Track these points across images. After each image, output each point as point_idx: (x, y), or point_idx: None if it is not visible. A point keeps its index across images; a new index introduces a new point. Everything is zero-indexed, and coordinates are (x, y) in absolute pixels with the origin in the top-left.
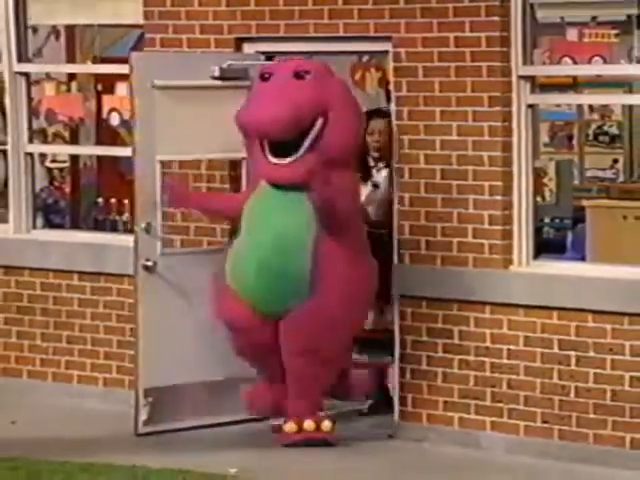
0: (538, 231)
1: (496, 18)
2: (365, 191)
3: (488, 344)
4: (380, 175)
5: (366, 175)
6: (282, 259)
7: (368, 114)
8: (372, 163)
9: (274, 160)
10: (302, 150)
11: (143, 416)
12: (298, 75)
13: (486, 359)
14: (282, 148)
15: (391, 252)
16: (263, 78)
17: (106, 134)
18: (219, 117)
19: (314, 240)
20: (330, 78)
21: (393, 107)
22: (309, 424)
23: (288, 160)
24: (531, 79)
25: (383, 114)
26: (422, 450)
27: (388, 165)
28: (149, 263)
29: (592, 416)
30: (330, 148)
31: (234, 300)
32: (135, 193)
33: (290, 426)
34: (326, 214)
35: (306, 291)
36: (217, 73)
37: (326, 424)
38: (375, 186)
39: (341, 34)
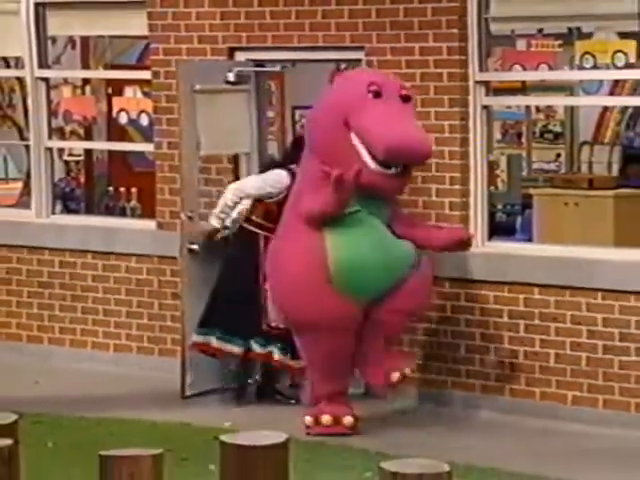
0: (492, 216)
1: (455, 30)
2: None
3: (448, 314)
4: None
5: None
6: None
7: None
8: None
9: (387, 171)
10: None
11: (189, 380)
12: (405, 99)
13: (448, 327)
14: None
15: None
16: (375, 94)
17: (115, 131)
18: (236, 115)
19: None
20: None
21: None
22: (327, 419)
23: (393, 172)
24: (486, 84)
25: None
26: None
27: None
28: (194, 247)
29: (538, 376)
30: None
31: (339, 299)
32: (181, 185)
33: (327, 419)
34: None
35: (410, 267)
36: (231, 78)
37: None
38: None
39: (321, 44)
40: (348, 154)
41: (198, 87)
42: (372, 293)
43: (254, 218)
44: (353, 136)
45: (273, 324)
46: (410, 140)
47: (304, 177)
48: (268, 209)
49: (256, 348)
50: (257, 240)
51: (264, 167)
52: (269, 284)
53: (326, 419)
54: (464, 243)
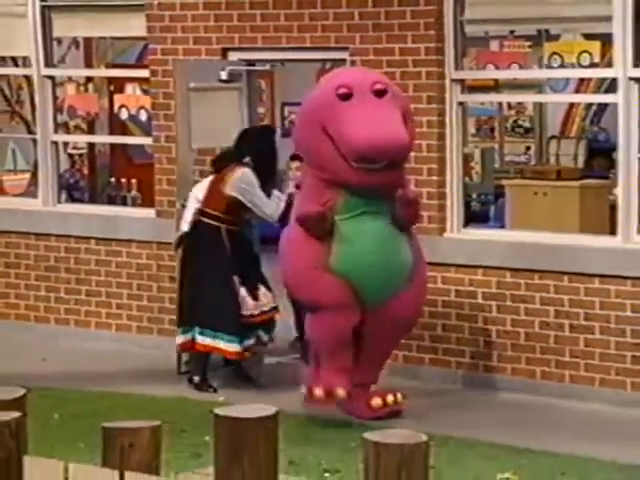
0: (467, 205)
1: (432, 32)
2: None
3: (427, 296)
4: None
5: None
6: (394, 258)
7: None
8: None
9: (371, 166)
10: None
11: (184, 358)
12: (379, 93)
13: (426, 308)
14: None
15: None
16: (343, 97)
17: (116, 126)
18: (228, 111)
19: (406, 235)
20: (400, 93)
21: None
22: (391, 398)
23: (378, 166)
24: (461, 82)
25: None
26: None
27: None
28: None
29: (509, 353)
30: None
31: (339, 285)
32: (176, 176)
33: (376, 401)
34: (411, 214)
35: (410, 277)
36: (224, 77)
37: (400, 397)
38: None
39: (308, 45)
40: (332, 157)
41: (193, 85)
42: (369, 299)
43: (213, 212)
44: (328, 139)
45: (247, 313)
46: (379, 140)
47: (303, 181)
48: (229, 201)
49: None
50: (219, 233)
51: (220, 158)
52: (281, 267)
53: (341, 392)
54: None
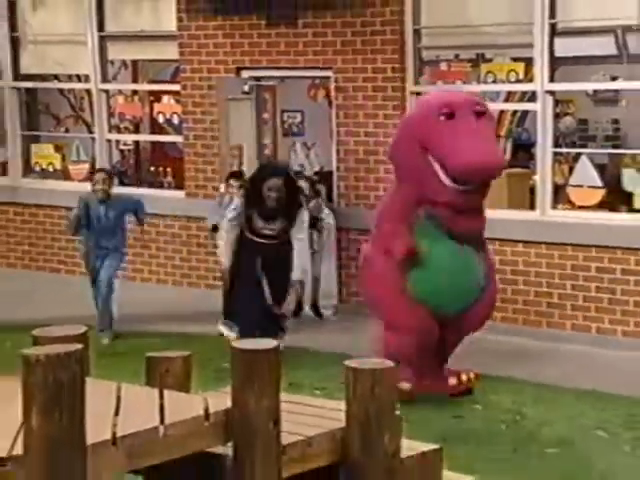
0: None
1: (396, 56)
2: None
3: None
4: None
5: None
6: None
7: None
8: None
9: (464, 188)
10: None
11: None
12: (479, 114)
13: None
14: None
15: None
16: (447, 117)
17: (155, 127)
18: (247, 116)
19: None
20: (492, 115)
21: (333, 111)
22: (465, 376)
23: (471, 187)
24: (418, 94)
25: (281, 173)
26: None
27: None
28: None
29: None
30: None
31: (419, 310)
32: (217, 165)
33: (452, 380)
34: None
35: (483, 286)
36: (246, 89)
37: (472, 376)
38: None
39: (301, 65)
40: (425, 174)
41: (231, 96)
42: (444, 315)
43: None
44: (431, 158)
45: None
46: (481, 160)
47: (389, 197)
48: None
49: None
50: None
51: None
52: (362, 283)
53: (405, 385)
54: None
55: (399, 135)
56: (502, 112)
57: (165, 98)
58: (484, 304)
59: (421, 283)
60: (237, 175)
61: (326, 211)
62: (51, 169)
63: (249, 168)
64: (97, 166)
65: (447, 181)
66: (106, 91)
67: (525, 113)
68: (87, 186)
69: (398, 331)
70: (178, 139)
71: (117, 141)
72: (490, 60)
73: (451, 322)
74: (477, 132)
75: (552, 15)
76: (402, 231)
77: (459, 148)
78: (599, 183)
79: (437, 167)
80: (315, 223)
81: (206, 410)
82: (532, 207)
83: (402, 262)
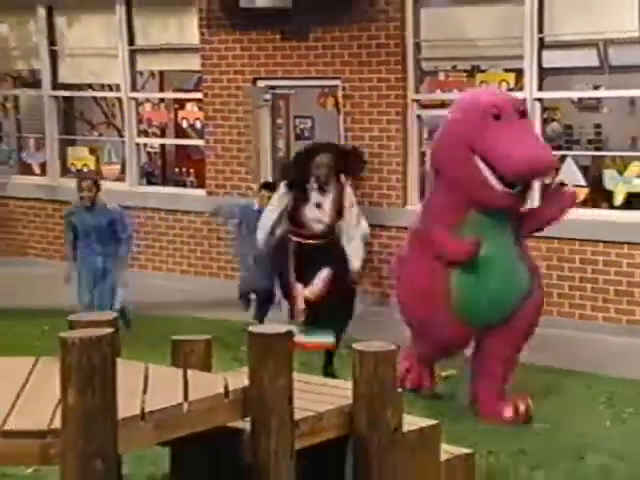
0: (422, 184)
1: (399, 67)
2: (309, 210)
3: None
4: (324, 198)
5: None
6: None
7: (314, 149)
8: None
9: (512, 191)
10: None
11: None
12: (523, 114)
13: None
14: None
15: (333, 257)
16: (495, 117)
17: (179, 132)
18: (266, 121)
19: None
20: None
21: (341, 117)
22: (523, 406)
23: (516, 190)
24: (418, 101)
25: (328, 148)
26: None
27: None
28: None
29: None
30: None
31: (457, 327)
32: (253, 165)
33: (508, 412)
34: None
35: (530, 289)
36: (268, 97)
37: (529, 402)
38: (318, 206)
39: (313, 75)
40: (474, 178)
41: (260, 103)
42: (486, 321)
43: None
44: (477, 160)
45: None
46: (535, 159)
47: (432, 202)
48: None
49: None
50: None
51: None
52: (396, 289)
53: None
54: (570, 201)
55: (443, 140)
56: None
57: (188, 105)
58: (529, 312)
59: (469, 286)
60: (269, 186)
61: None
62: (85, 170)
63: (264, 169)
64: (127, 166)
65: (498, 185)
66: (135, 99)
67: None
68: (118, 185)
69: (426, 340)
70: (200, 142)
71: (145, 144)
72: (484, 71)
73: (495, 332)
74: (525, 132)
75: (540, 30)
76: (456, 236)
77: (512, 150)
78: (583, 182)
79: (486, 172)
80: None
81: (226, 388)
82: None
83: (458, 263)
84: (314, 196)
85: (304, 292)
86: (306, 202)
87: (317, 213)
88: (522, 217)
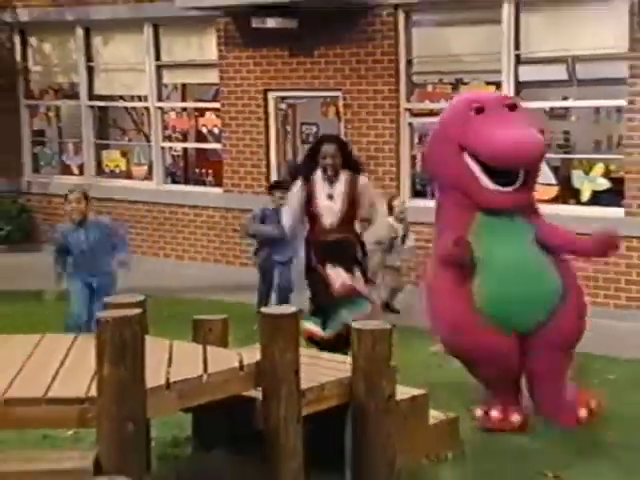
0: (413, 185)
1: (392, 79)
2: (322, 202)
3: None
4: (335, 189)
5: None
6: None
7: (321, 140)
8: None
9: (506, 189)
10: (521, 178)
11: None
12: (511, 107)
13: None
14: (503, 176)
15: (348, 251)
16: (477, 111)
17: (200, 137)
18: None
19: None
20: (529, 113)
21: (342, 124)
22: (594, 403)
23: (512, 188)
24: (409, 110)
25: (333, 139)
26: None
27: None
28: None
29: None
30: (536, 175)
31: (492, 333)
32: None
33: (582, 412)
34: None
35: (559, 299)
36: (283, 107)
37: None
38: (330, 197)
39: (317, 87)
40: (466, 177)
41: (280, 107)
42: (520, 326)
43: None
44: (467, 157)
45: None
46: (518, 142)
47: (438, 210)
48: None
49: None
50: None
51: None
52: (426, 308)
53: (495, 415)
54: (610, 247)
55: (434, 142)
56: None
57: (208, 114)
58: (568, 315)
59: (487, 298)
60: (278, 185)
61: None
62: (117, 170)
63: (274, 169)
64: (154, 167)
65: (488, 183)
66: (161, 108)
67: None
68: (146, 184)
69: (468, 357)
70: (218, 146)
71: (169, 148)
72: (467, 83)
73: (532, 338)
74: (512, 120)
75: (517, 47)
76: (461, 235)
77: (493, 133)
78: (554, 181)
79: (476, 169)
80: None
81: (241, 362)
82: None
83: (457, 259)
84: (324, 187)
85: (343, 275)
86: (318, 194)
87: (329, 202)
88: (551, 230)
